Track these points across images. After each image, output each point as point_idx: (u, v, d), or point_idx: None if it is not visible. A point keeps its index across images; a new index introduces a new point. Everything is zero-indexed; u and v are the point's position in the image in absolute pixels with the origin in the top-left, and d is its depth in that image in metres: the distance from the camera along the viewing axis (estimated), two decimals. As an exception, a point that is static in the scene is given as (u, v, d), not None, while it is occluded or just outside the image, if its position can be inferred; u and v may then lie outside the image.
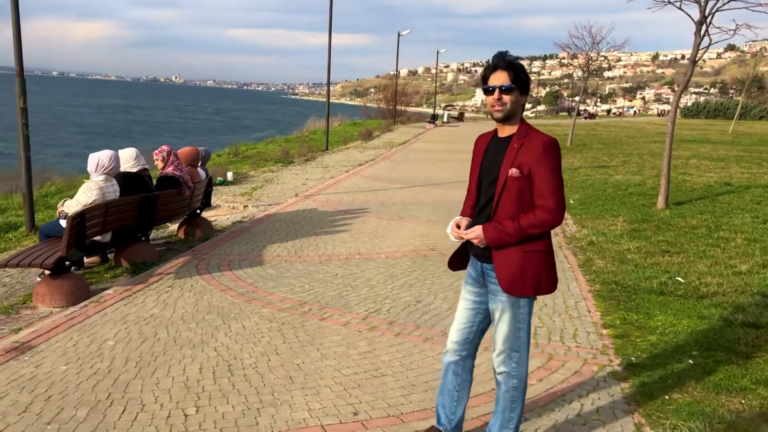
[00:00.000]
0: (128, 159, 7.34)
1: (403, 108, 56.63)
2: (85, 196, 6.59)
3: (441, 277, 6.85)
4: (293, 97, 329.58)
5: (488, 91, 3.04)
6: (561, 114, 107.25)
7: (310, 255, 7.70)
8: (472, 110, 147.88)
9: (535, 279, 3.02)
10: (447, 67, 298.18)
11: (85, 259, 7.37)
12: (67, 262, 6.10)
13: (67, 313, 5.48)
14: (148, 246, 7.58)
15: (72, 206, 6.60)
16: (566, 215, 10.69)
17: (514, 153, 3.02)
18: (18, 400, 3.87)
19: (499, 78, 3.01)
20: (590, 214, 10.73)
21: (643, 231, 9.26)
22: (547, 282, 3.07)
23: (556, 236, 9.04)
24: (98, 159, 6.69)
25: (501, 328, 3.13)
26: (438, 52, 58.35)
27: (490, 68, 3.05)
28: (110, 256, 7.47)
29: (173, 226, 9.26)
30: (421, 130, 38.42)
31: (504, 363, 3.17)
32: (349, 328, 5.22)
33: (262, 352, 4.69)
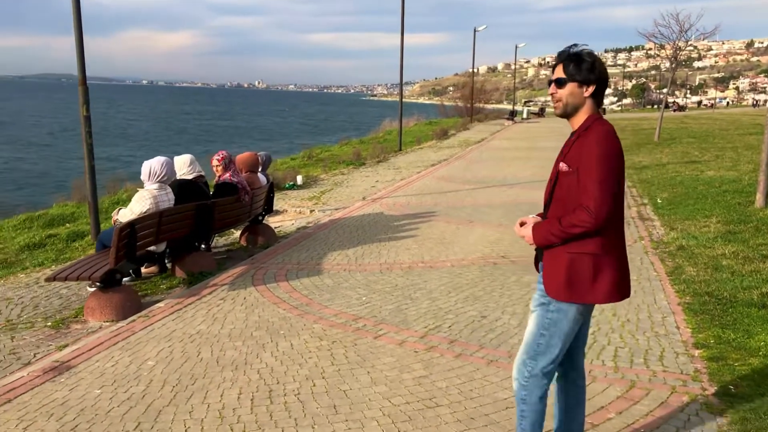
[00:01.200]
0: (183, 165, 7.14)
1: (481, 105, 55.70)
2: (138, 205, 6.42)
3: (511, 288, 6.29)
4: (372, 98, 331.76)
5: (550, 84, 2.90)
6: (648, 107, 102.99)
7: (371, 263, 7.28)
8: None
9: (573, 282, 2.74)
10: (527, 62, 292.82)
11: (143, 269, 7.24)
12: (119, 275, 5.92)
13: (113, 329, 5.27)
14: (206, 255, 7.36)
15: (126, 216, 6.44)
16: (653, 216, 9.87)
17: (568, 147, 2.87)
18: (44, 429, 3.62)
19: (556, 72, 2.87)
20: (680, 214, 9.84)
21: (740, 233, 8.36)
22: (598, 288, 2.75)
23: (642, 240, 8.28)
24: (150, 167, 6.50)
25: (527, 329, 2.95)
26: (516, 47, 57.01)
27: (555, 64, 2.92)
28: (169, 265, 7.30)
29: (237, 233, 9.06)
30: (498, 128, 37.47)
31: (517, 368, 2.95)
32: (404, 348, 4.77)
33: (308, 375, 4.30)
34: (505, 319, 5.40)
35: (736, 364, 4.40)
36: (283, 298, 6.01)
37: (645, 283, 6.40)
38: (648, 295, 6.02)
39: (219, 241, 8.97)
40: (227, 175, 7.60)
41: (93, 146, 8.78)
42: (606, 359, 4.55)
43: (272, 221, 10.71)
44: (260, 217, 8.77)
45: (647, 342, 4.87)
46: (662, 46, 25.93)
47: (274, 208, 11.47)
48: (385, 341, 4.91)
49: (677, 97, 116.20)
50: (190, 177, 7.15)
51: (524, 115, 51.63)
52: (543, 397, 2.93)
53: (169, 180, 6.70)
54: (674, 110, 70.07)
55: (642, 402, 3.90)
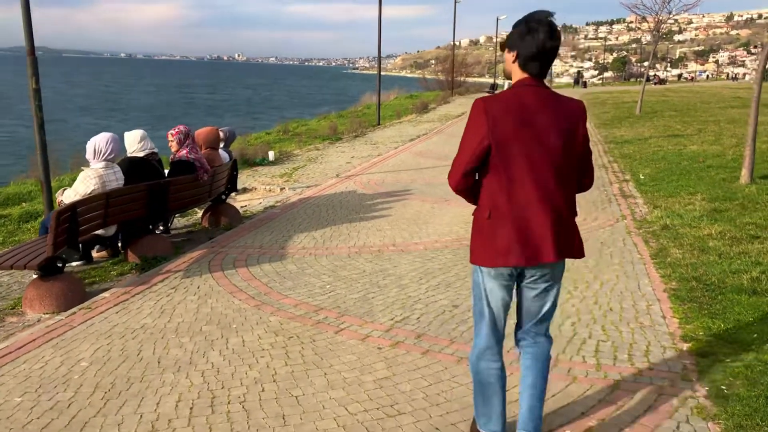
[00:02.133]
0: (133, 142, 6.60)
1: (462, 79, 55.03)
2: (82, 185, 5.90)
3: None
4: (353, 71, 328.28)
5: None
6: (630, 80, 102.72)
7: (339, 246, 6.83)
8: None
9: (471, 244, 2.90)
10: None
11: (94, 253, 6.74)
12: (60, 262, 5.42)
13: (49, 324, 4.78)
14: (161, 238, 6.86)
15: (69, 197, 5.93)
16: (636, 194, 9.51)
17: None
18: (-53, 447, 3.16)
19: None
20: (663, 191, 9.48)
21: (726, 211, 8.01)
22: (485, 251, 2.79)
23: (624, 219, 7.91)
24: (95, 144, 5.97)
25: None
26: (497, 19, 56.26)
27: None
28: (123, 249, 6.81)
29: (199, 213, 8.56)
30: (479, 102, 36.94)
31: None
32: (367, 344, 4.34)
33: (257, 378, 3.86)
34: (478, 309, 4.98)
35: (728, 359, 4.03)
36: (241, 286, 5.55)
37: (628, 267, 6.02)
38: (631, 280, 5.65)
39: (180, 221, 8.46)
40: (184, 152, 7.07)
41: (44, 120, 8.18)
42: (587, 355, 4.16)
43: (239, 200, 10.22)
44: (223, 197, 8.27)
45: (631, 335, 4.49)
46: (644, 18, 25.47)
47: (243, 185, 10.98)
48: (347, 336, 4.48)
49: (658, 71, 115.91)
50: (141, 154, 6.61)
51: (505, 88, 51.11)
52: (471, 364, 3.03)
53: (117, 158, 6.18)
54: (655, 83, 69.91)
55: (627, 407, 3.50)
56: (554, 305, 2.96)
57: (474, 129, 2.74)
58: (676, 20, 25.10)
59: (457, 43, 48.40)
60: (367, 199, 9.30)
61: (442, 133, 19.34)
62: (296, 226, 7.73)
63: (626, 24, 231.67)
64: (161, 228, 7.71)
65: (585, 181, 2.93)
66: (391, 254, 6.53)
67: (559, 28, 2.78)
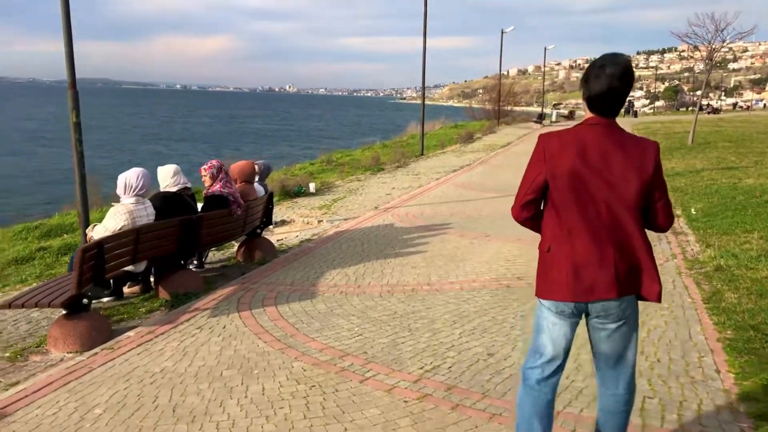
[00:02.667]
0: (166, 177, 6.55)
1: (509, 108, 54.61)
2: (112, 221, 5.84)
3: (527, 318, 5.56)
4: (401, 101, 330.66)
5: None
6: (681, 110, 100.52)
7: (371, 285, 6.60)
8: (584, 107, 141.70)
9: (537, 276, 2.94)
10: (558, 64, 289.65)
11: (126, 289, 6.66)
12: (85, 300, 5.34)
13: (69, 365, 4.67)
14: (193, 274, 6.76)
15: (99, 233, 5.87)
16: (687, 230, 9.04)
17: None
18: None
19: None
20: (717, 228, 8.98)
21: (786, 251, 7.51)
22: (543, 285, 2.88)
23: (674, 258, 7.48)
24: (126, 179, 5.92)
25: None
26: (545, 49, 55.87)
27: None
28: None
29: (235, 247, 8.46)
30: (526, 131, 36.52)
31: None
32: (393, 396, 4.08)
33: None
34: (515, 357, 4.68)
35: (791, 423, 3.63)
36: (267, 327, 5.36)
37: (678, 312, 5.62)
38: (682, 327, 5.25)
39: (215, 255, 8.37)
40: (217, 186, 6.99)
41: (83, 154, 8.25)
42: (632, 413, 3.81)
43: (277, 232, 10.13)
44: (258, 230, 8.15)
45: (681, 390, 4.12)
46: (696, 47, 24.83)
47: (281, 218, 10.89)
48: (372, 386, 4.23)
49: (711, 99, 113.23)
50: (174, 189, 6.55)
51: (553, 118, 50.46)
52: (522, 397, 2.98)
53: (147, 193, 6.12)
54: (708, 113, 68.20)
55: (675, 478, 3.16)
56: (629, 350, 2.87)
57: (533, 163, 2.85)
58: (730, 48, 24.38)
59: (505, 73, 48.23)
60: (404, 234, 9.08)
61: (486, 164, 19.05)
62: (330, 262, 7.55)
63: (678, 53, 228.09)
64: (195, 262, 7.63)
65: (659, 221, 2.91)
66: (425, 294, 6.27)
67: (630, 69, 2.78)
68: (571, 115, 57.60)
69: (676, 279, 6.67)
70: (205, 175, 7.06)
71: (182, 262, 6.73)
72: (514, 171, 17.05)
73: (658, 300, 2.81)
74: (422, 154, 22.81)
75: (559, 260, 2.78)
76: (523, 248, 8.10)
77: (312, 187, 13.69)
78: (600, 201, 2.72)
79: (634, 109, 70.18)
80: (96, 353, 4.90)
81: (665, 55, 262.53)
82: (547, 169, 2.77)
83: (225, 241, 7.46)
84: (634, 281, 2.76)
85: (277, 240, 9.27)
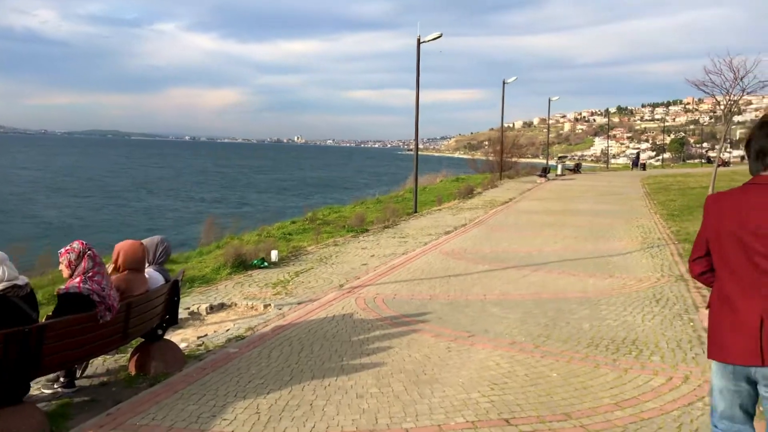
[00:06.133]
0: (-19, 273, 4.45)
1: (514, 160, 52.80)
2: None
3: None
4: (408, 152, 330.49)
5: None
6: (688, 161, 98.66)
7: (287, 435, 4.43)
8: (591, 160, 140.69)
9: None
10: (564, 117, 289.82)
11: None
12: None
13: None
14: (26, 412, 4.58)
15: None
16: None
17: None
18: None
19: None
20: None
21: None
22: (708, 344, 2.94)
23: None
24: None
25: None
26: (549, 100, 54.30)
27: None
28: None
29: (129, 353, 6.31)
30: (530, 185, 34.45)
31: None
32: None
33: None
34: None
35: None
36: None
37: None
38: None
39: (101, 365, 6.21)
40: (77, 280, 4.90)
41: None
42: None
43: (209, 321, 8.04)
44: (160, 331, 6.03)
45: None
46: (701, 101, 23.09)
47: (221, 300, 8.79)
48: None
49: (721, 152, 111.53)
50: (-4, 289, 4.46)
51: (558, 172, 48.38)
52: None
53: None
54: (719, 165, 66.24)
55: None
56: None
57: (703, 222, 2.99)
58: (735, 101, 22.57)
59: (510, 125, 46.65)
60: (363, 331, 6.91)
61: (483, 225, 16.92)
62: (244, 384, 5.37)
63: (683, 105, 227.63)
64: (62, 380, 5.50)
65: None
66: (361, 458, 4.08)
67: None
68: (577, 168, 55.65)
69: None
70: (61, 263, 4.99)
71: (18, 391, 4.58)
72: (513, 234, 14.91)
73: None
74: (415, 212, 20.74)
75: (721, 319, 2.86)
76: (516, 358, 5.91)
77: (274, 255, 11.58)
78: (757, 261, 2.73)
79: (641, 161, 68.24)
80: None
81: (670, 107, 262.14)
82: (710, 229, 2.94)
83: (91, 356, 5.30)
84: None
85: (199, 337, 7.14)
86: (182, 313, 8.16)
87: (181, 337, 7.27)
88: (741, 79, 20.78)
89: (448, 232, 15.38)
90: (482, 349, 6.21)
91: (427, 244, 13.39)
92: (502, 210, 20.88)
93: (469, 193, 27.19)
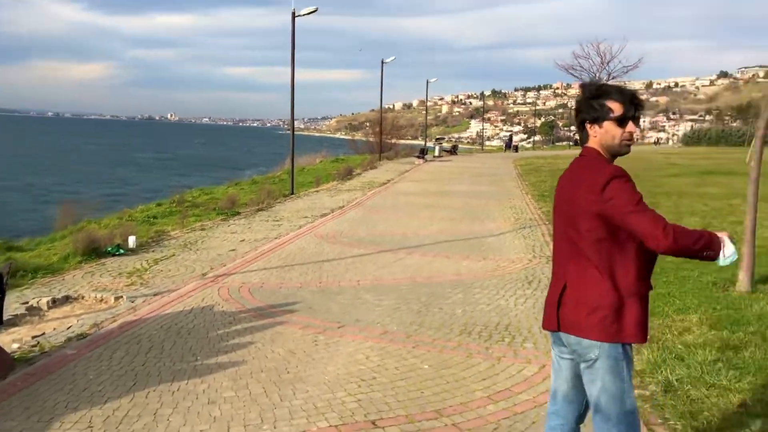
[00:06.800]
0: None
1: (393, 141, 53.07)
2: None
3: None
4: (287, 132, 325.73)
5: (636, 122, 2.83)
6: (557, 144, 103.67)
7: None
8: (468, 142, 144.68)
9: None
10: (441, 99, 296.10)
11: None
12: None
13: None
14: None
15: None
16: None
17: None
18: None
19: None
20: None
21: (741, 347, 5.42)
22: None
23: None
24: None
25: None
26: (428, 82, 54.93)
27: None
28: None
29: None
30: (408, 167, 34.59)
31: None
32: None
33: None
34: None
35: None
36: None
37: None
38: None
39: None
40: None
41: None
42: None
43: (51, 317, 7.17)
44: (-21, 334, 5.19)
45: None
46: (569, 86, 24.02)
47: (66, 292, 7.90)
48: None
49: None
50: None
51: (436, 153, 49.09)
52: None
53: None
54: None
55: None
56: (587, 393, 2.77)
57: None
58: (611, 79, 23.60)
59: (390, 106, 46.77)
60: (224, 325, 6.34)
61: (361, 206, 16.61)
62: (78, 392, 4.68)
63: (553, 90, 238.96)
64: None
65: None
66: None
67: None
68: (454, 150, 56.81)
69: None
70: None
71: None
72: (390, 216, 14.69)
73: (589, 334, 2.70)
74: (292, 193, 20.13)
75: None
76: (388, 350, 5.58)
77: (131, 241, 10.66)
78: (556, 231, 2.93)
79: (514, 143, 70.73)
80: None
81: (541, 92, 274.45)
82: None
83: None
84: (572, 318, 2.72)
85: (34, 336, 6.29)
86: (19, 309, 7.26)
87: (13, 337, 6.39)
88: (607, 64, 21.70)
89: (324, 215, 14.94)
90: (352, 341, 5.82)
91: (302, 228, 12.89)
92: (381, 191, 20.70)
93: (348, 174, 26.86)
